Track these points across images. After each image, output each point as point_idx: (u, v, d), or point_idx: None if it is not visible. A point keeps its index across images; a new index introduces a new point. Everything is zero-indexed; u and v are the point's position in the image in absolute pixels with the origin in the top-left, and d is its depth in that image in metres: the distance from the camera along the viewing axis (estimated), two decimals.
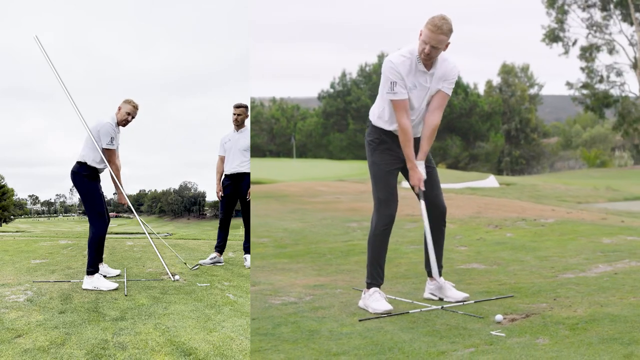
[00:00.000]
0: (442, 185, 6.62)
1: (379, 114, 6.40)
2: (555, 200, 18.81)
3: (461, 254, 8.73)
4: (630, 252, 8.52)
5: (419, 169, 6.13)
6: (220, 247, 10.25)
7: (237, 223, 12.38)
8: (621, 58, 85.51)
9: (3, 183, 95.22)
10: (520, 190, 22.73)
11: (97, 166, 8.07)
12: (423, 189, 6.13)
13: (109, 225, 8.51)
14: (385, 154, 6.30)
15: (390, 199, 6.20)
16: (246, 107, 10.23)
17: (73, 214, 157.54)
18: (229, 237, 10.43)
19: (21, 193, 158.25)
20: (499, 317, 5.52)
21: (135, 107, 8.38)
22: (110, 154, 8.10)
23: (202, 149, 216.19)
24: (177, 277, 8.46)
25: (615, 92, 66.14)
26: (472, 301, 6.21)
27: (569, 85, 66.74)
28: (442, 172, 6.68)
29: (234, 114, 10.19)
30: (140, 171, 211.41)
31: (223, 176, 10.38)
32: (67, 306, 6.71)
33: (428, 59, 6.00)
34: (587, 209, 15.48)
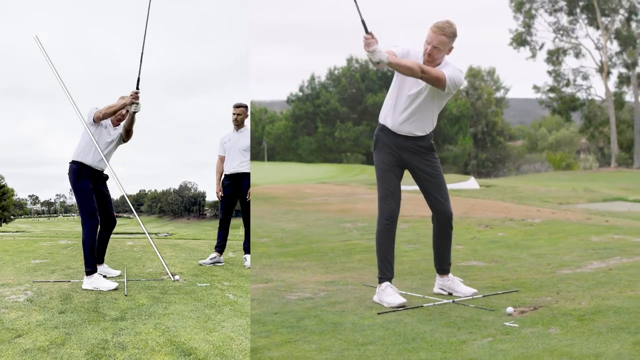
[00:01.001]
0: None
1: (383, 107, 6.62)
2: (538, 201, 19.06)
3: (459, 252, 8.95)
4: (620, 250, 8.85)
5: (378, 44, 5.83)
6: (220, 247, 10.22)
7: (237, 223, 12.33)
8: (587, 62, 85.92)
9: (3, 183, 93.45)
10: (501, 191, 22.97)
11: (91, 163, 8.10)
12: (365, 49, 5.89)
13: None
14: (382, 152, 6.49)
15: (387, 196, 6.41)
16: (246, 107, 10.27)
17: (73, 214, 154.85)
18: (229, 237, 10.41)
19: (21, 193, 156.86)
20: (509, 309, 5.79)
21: None
22: (98, 115, 8.08)
23: (202, 149, 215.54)
24: (177, 277, 8.50)
25: (581, 95, 66.31)
26: (481, 295, 6.47)
27: (536, 88, 66.74)
28: None
29: (234, 114, 10.23)
30: (140, 171, 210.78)
31: (223, 176, 10.37)
32: (67, 306, 6.71)
33: (430, 60, 6.22)
34: (570, 210, 15.81)
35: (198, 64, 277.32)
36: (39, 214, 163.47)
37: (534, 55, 65.64)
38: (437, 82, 6.18)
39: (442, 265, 6.76)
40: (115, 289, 7.68)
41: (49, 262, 9.99)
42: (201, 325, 6.00)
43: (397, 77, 6.44)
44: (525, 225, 11.80)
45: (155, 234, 31.11)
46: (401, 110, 6.40)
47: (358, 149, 78.24)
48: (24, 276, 8.61)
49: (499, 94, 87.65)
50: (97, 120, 8.17)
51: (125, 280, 8.32)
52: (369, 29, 5.86)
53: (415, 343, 5.03)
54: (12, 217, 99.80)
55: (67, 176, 8.16)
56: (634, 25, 62.65)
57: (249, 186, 10.03)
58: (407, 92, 6.36)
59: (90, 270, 7.77)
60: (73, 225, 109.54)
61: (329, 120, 77.56)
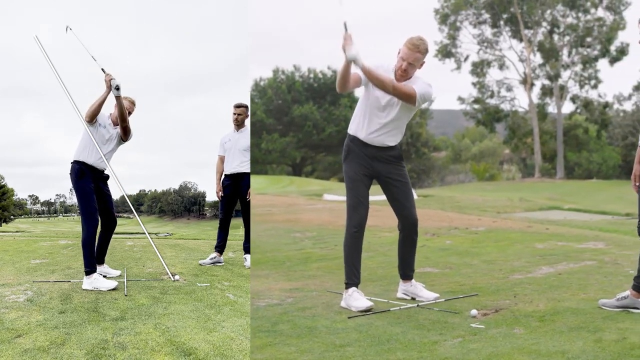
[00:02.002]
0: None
1: (353, 119, 6.44)
2: (477, 210, 18.97)
3: None
4: (566, 256, 8.75)
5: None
6: (220, 247, 9.77)
7: (237, 223, 11.86)
8: (511, 73, 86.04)
9: (3, 183, 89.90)
10: (440, 201, 22.86)
11: (92, 162, 7.76)
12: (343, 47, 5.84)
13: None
14: (354, 163, 6.30)
15: (357, 204, 6.21)
16: (246, 106, 9.82)
17: (73, 214, 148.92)
18: (229, 237, 9.95)
19: (21, 193, 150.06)
20: (473, 311, 5.68)
21: (132, 102, 8.07)
22: (86, 118, 7.77)
23: (202, 149, 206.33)
24: (177, 277, 8.13)
25: (505, 106, 66.08)
26: (443, 299, 6.34)
27: (461, 100, 65.98)
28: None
29: (234, 114, 9.77)
30: (140, 171, 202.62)
31: (223, 176, 9.91)
32: (67, 306, 6.36)
33: (404, 74, 6.10)
34: (509, 218, 15.75)
35: (198, 64, 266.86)
36: (39, 214, 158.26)
37: (459, 67, 65.22)
38: (407, 99, 6.07)
39: (406, 271, 6.59)
40: (115, 289, 7.34)
41: (49, 262, 9.56)
42: (201, 325, 5.75)
43: (366, 90, 6.29)
44: (471, 234, 11.66)
45: (155, 234, 30.27)
46: (375, 122, 6.23)
47: (284, 160, 75.32)
48: (24, 276, 8.22)
49: (423, 105, 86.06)
50: (90, 119, 7.77)
51: (125, 280, 7.93)
52: (349, 30, 5.80)
53: (390, 344, 4.89)
54: (12, 217, 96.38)
55: (69, 176, 7.81)
56: (556, 37, 62.91)
57: (249, 186, 9.62)
58: (379, 104, 6.20)
59: (89, 270, 7.41)
60: (73, 225, 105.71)
61: (255, 131, 73.32)
